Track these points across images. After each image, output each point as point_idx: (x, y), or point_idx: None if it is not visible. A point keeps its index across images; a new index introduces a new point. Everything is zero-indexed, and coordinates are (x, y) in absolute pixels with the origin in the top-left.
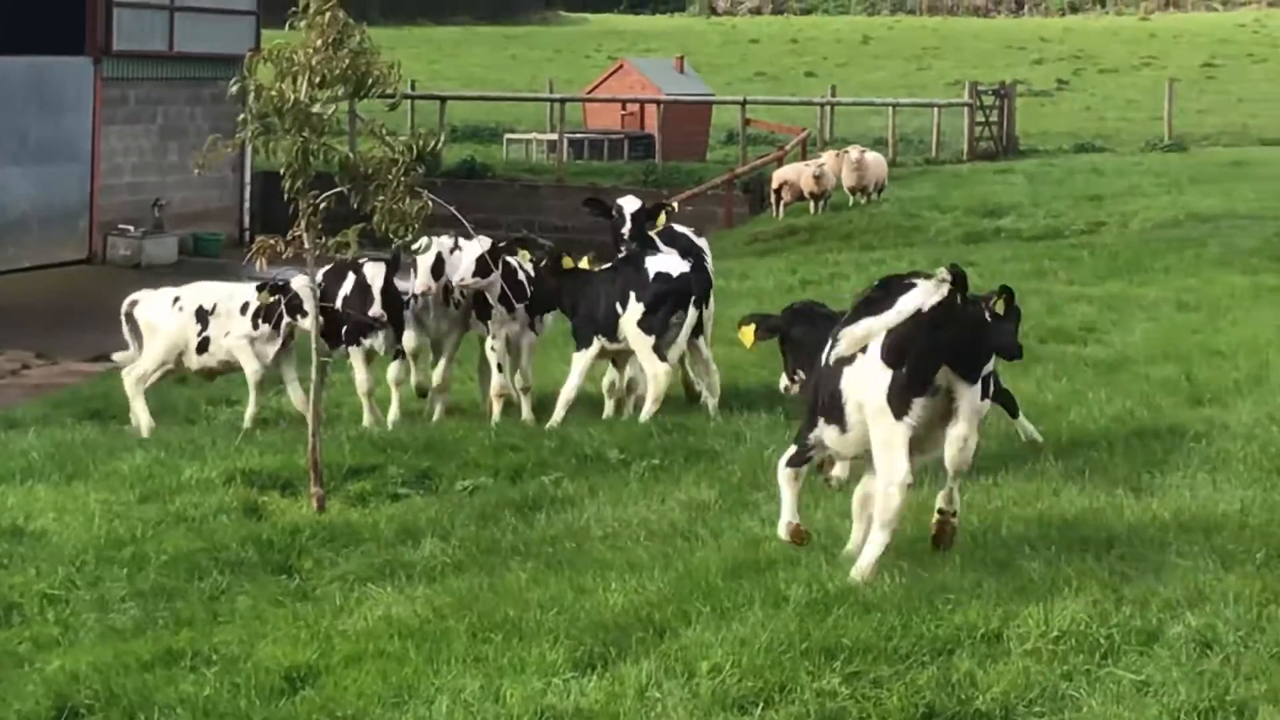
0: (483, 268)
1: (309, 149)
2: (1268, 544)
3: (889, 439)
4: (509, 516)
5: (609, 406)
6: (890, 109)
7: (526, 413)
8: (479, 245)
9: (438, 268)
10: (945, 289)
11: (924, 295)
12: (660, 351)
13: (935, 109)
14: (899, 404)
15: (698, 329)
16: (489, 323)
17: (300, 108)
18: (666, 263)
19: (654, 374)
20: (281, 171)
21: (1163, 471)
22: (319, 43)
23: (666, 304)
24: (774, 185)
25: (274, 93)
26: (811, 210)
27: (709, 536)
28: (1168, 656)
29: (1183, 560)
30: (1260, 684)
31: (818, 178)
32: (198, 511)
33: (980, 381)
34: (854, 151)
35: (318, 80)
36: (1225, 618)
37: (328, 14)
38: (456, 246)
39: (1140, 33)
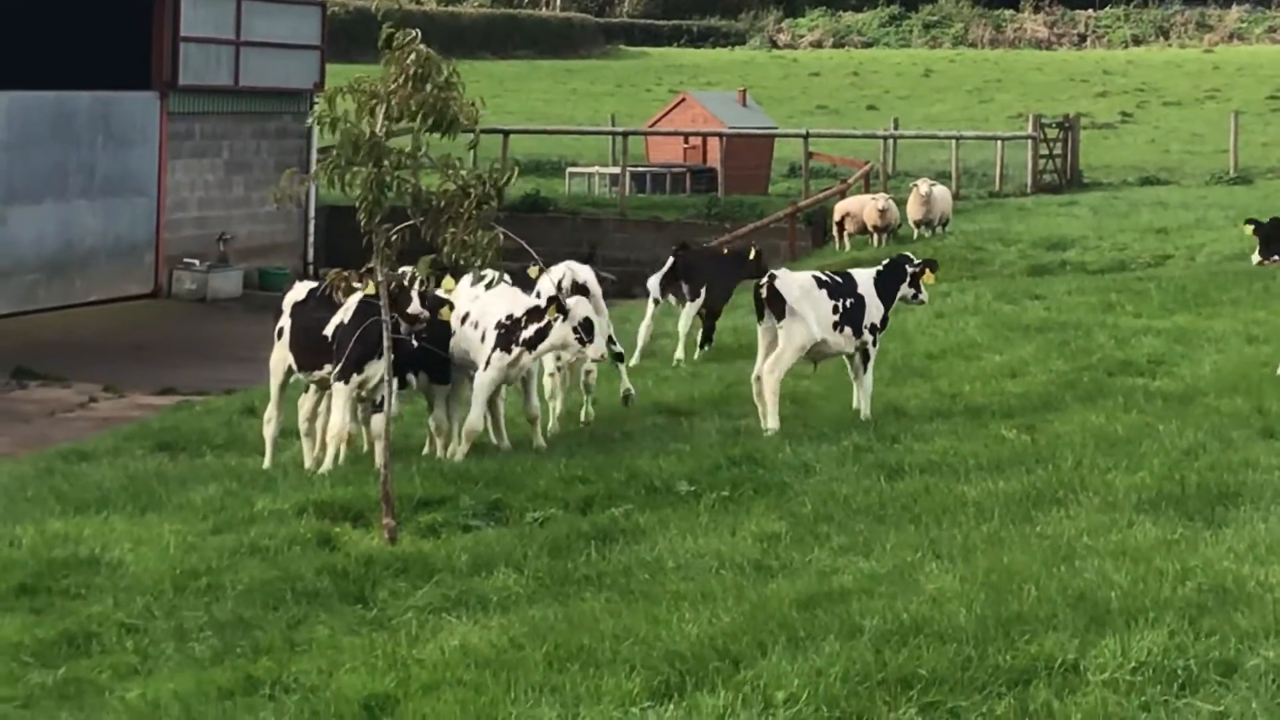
0: None
1: (384, 181)
2: None
3: None
4: (581, 547)
5: None
6: (953, 142)
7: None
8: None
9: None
10: None
11: None
12: None
13: (999, 142)
14: None
15: None
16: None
17: (376, 141)
18: None
19: None
20: (356, 204)
21: (1236, 504)
22: (401, 78)
23: None
24: (837, 218)
25: (350, 125)
26: (874, 243)
27: (780, 568)
28: (1246, 688)
29: (1260, 591)
30: None
31: (882, 211)
32: (271, 542)
33: None
34: (923, 185)
35: (395, 114)
36: None
37: (411, 49)
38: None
39: (1204, 65)
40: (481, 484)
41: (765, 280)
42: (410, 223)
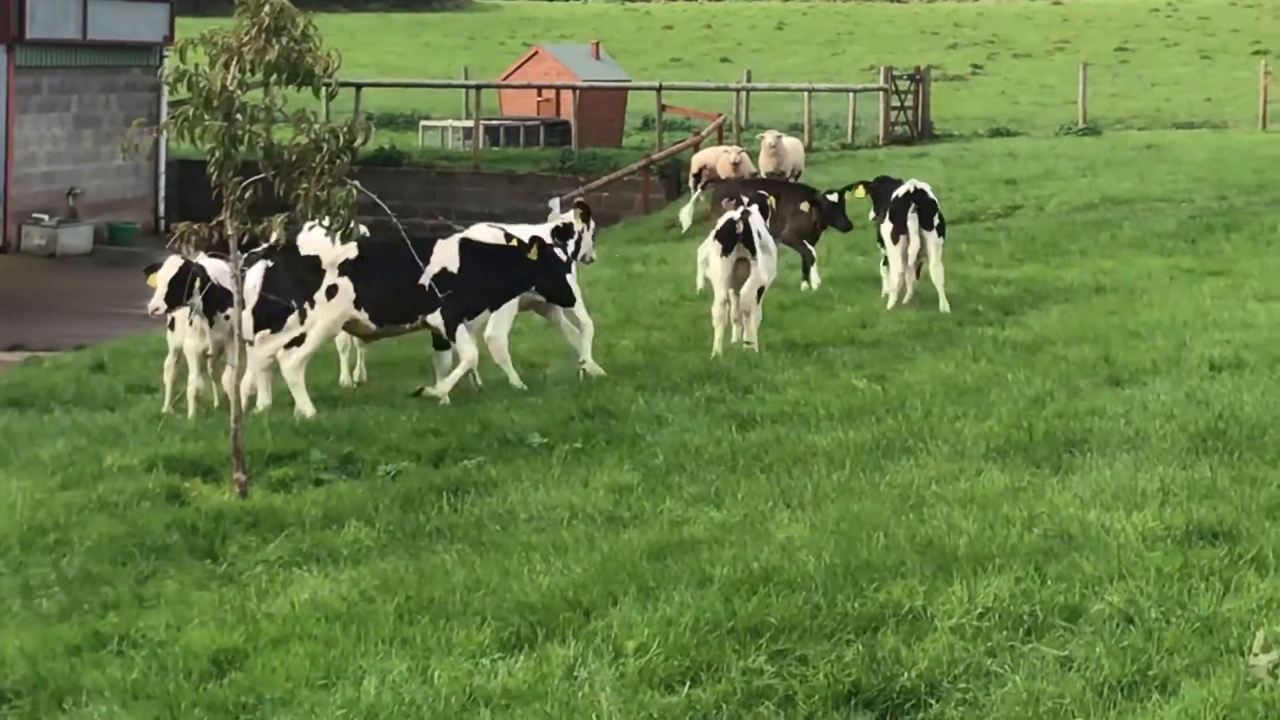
0: None
1: (236, 135)
2: (1188, 520)
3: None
4: (433, 500)
5: None
6: (806, 94)
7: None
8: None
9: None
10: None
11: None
12: None
13: (851, 94)
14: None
15: None
16: None
17: (228, 94)
18: None
19: None
20: (207, 158)
21: (1083, 451)
22: (254, 30)
23: None
24: (693, 170)
25: (201, 79)
26: None
27: (632, 519)
28: (1090, 632)
29: (1105, 537)
30: (1181, 658)
31: (735, 164)
32: (120, 498)
33: None
34: (769, 136)
35: (248, 67)
36: (1147, 593)
37: (265, 2)
38: None
39: (1053, 17)
40: (333, 437)
41: (741, 216)
42: (261, 176)
